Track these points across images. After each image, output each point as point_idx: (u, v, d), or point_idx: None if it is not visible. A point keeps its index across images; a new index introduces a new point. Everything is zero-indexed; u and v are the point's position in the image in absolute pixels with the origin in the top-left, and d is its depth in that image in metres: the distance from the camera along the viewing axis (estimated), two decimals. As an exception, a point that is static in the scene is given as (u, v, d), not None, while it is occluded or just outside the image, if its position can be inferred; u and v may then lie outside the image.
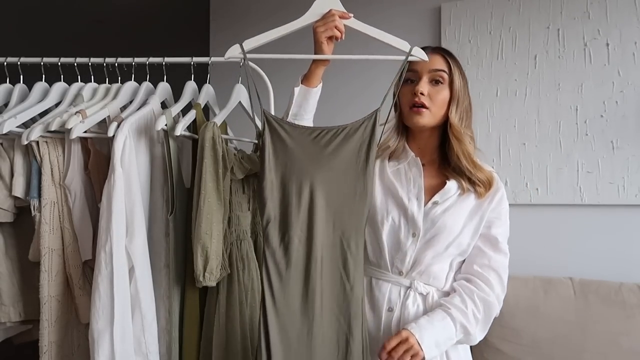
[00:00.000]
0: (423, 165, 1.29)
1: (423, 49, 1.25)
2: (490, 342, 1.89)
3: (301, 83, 1.24)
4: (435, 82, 1.25)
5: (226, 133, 1.42)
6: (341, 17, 1.20)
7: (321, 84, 1.26)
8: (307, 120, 1.26)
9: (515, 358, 1.86)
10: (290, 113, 1.25)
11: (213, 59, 1.37)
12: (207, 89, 1.41)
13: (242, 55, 1.19)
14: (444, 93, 1.25)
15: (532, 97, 2.12)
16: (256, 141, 1.41)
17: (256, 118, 1.41)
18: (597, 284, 1.87)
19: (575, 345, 1.80)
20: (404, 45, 1.22)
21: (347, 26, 1.22)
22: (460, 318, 1.20)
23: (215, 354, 1.23)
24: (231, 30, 2.74)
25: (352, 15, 1.22)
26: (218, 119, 1.29)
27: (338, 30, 1.19)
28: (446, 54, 1.28)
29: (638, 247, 1.96)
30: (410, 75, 1.25)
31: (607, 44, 2.02)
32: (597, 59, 2.03)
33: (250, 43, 1.21)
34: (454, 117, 1.24)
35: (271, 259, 1.13)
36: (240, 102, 1.40)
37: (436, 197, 1.26)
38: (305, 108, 1.25)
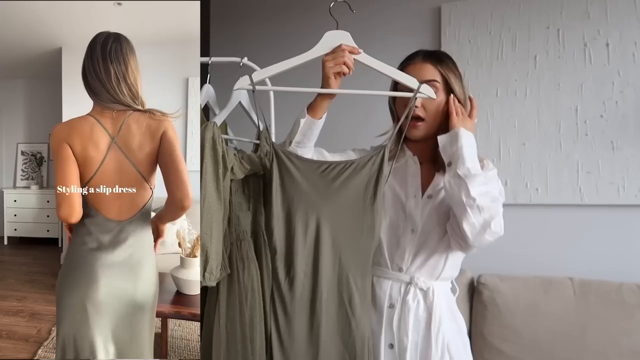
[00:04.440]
0: (421, 163, 1.31)
1: (413, 55, 1.26)
2: (490, 342, 1.89)
3: (307, 113, 1.23)
4: None
5: (226, 133, 1.42)
6: (351, 52, 1.18)
7: (325, 114, 1.25)
8: (309, 148, 1.27)
9: (515, 358, 1.86)
10: (293, 141, 1.24)
11: (213, 59, 1.37)
12: (207, 89, 1.41)
13: (251, 87, 1.18)
14: (437, 101, 1.25)
15: (532, 97, 2.11)
16: (257, 141, 1.41)
17: (256, 118, 1.41)
18: (597, 284, 1.87)
19: (575, 345, 1.80)
20: (413, 82, 1.20)
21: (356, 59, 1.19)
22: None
23: (215, 354, 1.22)
24: (231, 31, 2.74)
25: (361, 51, 1.19)
26: (218, 119, 1.29)
27: (347, 66, 1.17)
28: (436, 61, 1.27)
29: (638, 247, 1.96)
30: (403, 87, 1.25)
31: (607, 44, 2.02)
32: (597, 59, 2.03)
33: (259, 74, 1.20)
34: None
35: (277, 291, 1.15)
36: (240, 102, 1.40)
37: (429, 191, 1.28)
38: (309, 137, 1.24)
